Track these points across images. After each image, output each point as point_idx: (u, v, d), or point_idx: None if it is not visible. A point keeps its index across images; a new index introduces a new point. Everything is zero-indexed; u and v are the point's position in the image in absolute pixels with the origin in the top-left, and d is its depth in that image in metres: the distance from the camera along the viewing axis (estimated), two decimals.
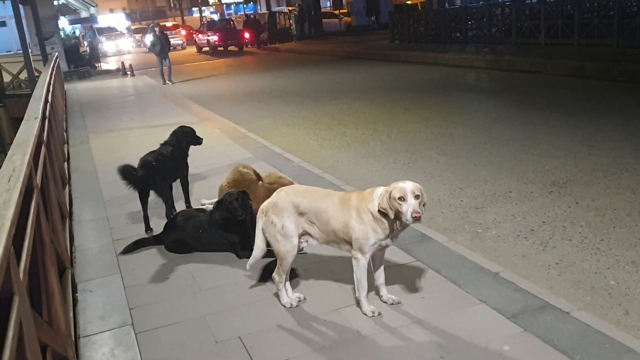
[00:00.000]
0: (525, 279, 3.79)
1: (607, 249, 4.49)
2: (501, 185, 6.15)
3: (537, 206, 5.49)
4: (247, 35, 32.41)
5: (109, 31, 43.81)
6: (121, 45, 38.97)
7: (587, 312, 3.28)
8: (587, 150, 7.09)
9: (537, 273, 4.20)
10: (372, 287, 3.53)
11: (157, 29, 18.35)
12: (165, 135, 5.85)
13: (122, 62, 22.55)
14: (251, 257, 3.61)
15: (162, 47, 17.67)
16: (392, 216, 3.09)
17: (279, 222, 3.37)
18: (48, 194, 3.96)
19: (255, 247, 3.58)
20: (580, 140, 7.54)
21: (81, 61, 24.90)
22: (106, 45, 37.35)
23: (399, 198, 3.05)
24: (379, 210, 3.14)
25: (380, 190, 3.21)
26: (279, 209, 3.39)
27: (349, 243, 3.28)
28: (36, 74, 15.25)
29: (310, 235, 3.42)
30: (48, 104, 6.23)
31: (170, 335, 3.41)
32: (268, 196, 3.72)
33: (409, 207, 3.02)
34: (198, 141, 5.83)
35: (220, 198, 4.46)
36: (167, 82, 17.83)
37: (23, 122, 4.16)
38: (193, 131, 5.83)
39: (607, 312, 3.61)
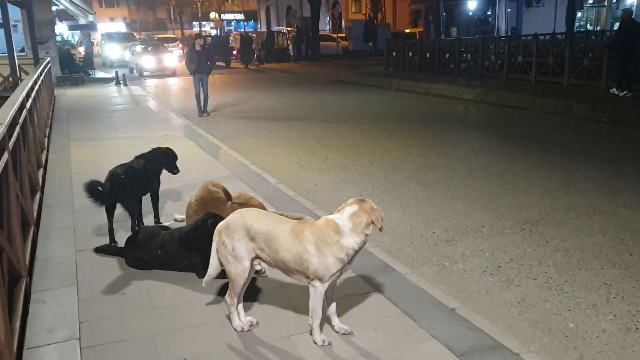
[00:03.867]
0: (482, 316, 3.77)
1: (571, 290, 4.47)
2: (475, 220, 6.14)
3: (507, 243, 5.48)
4: (234, 52, 33.06)
5: (145, 42, 33.07)
6: (166, 60, 27.07)
7: (537, 355, 3.26)
8: (564, 189, 7.11)
9: (497, 311, 4.17)
10: (325, 316, 3.49)
11: (197, 41, 13.73)
12: (145, 147, 5.81)
13: (116, 71, 22.56)
14: (206, 276, 3.57)
15: (200, 65, 13.38)
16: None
17: (230, 244, 3.33)
18: (7, 203, 3.90)
19: (209, 266, 3.55)
20: (557, 179, 7.57)
21: (75, 67, 24.89)
22: (145, 60, 26.70)
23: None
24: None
25: (344, 220, 3.15)
26: (231, 230, 3.35)
27: (302, 273, 3.23)
28: (25, 77, 15.18)
29: (262, 260, 3.38)
30: (25, 109, 6.17)
31: (115, 352, 3.34)
32: None
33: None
34: (172, 169, 5.76)
35: (202, 217, 4.39)
36: (204, 112, 13.85)
37: None
38: (173, 156, 5.77)
39: (562, 356, 3.57)
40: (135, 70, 27.58)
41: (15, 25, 25.04)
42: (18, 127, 5.25)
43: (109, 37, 38.02)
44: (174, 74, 26.46)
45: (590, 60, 15.30)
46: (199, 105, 13.78)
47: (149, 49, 28.00)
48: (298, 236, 3.20)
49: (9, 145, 4.24)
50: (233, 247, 3.32)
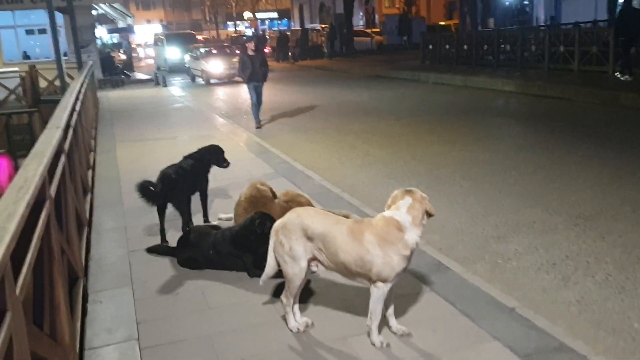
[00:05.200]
0: (542, 316, 3.65)
1: (633, 288, 4.31)
2: (525, 215, 6.00)
3: (561, 239, 5.33)
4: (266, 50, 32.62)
5: (209, 45, 29.15)
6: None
7: (606, 357, 3.13)
8: (616, 183, 6.88)
9: (556, 310, 4.05)
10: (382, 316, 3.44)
11: (249, 45, 11.90)
12: (188, 147, 5.86)
13: (156, 73, 22.92)
14: (263, 274, 3.57)
15: (255, 72, 11.67)
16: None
17: (287, 244, 3.31)
18: (65, 204, 3.97)
19: (267, 265, 3.54)
20: (608, 172, 7.34)
21: (115, 70, 25.41)
22: (213, 65, 22.73)
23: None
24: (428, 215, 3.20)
25: (403, 215, 3.11)
26: (288, 230, 3.33)
27: (364, 275, 3.19)
28: (70, 81, 15.57)
29: (320, 262, 3.35)
30: (75, 112, 6.31)
31: (174, 353, 3.37)
32: (284, 214, 3.67)
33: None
34: (222, 164, 5.78)
35: (252, 216, 4.41)
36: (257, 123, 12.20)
37: (44, 131, 4.20)
38: (221, 151, 5.81)
39: (629, 358, 3.45)
40: (199, 78, 23.61)
41: (57, 31, 25.64)
42: (71, 129, 5.36)
43: (168, 39, 31.75)
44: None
45: (637, 47, 14.78)
46: (256, 117, 12.17)
47: (215, 52, 24.37)
48: (357, 237, 3.15)
49: (65, 147, 4.32)
50: (290, 246, 3.30)
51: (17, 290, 1.93)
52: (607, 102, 12.33)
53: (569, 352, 3.11)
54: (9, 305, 1.77)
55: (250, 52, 11.72)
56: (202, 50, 24.74)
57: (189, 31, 40.40)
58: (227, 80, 22.49)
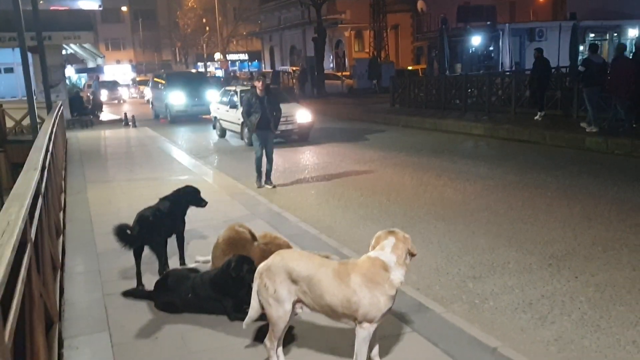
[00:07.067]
0: (524, 355, 3.69)
1: (608, 327, 4.40)
2: (499, 255, 6.09)
3: (536, 279, 5.42)
4: None
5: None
6: (298, 115, 15.65)
7: None
8: (586, 222, 7.07)
9: (535, 349, 4.10)
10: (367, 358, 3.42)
11: (257, 84, 9.56)
12: (161, 187, 5.83)
13: (125, 113, 22.78)
14: (247, 318, 3.54)
15: (264, 117, 9.53)
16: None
17: (271, 287, 3.31)
18: (41, 247, 3.89)
19: (250, 308, 3.51)
20: (578, 212, 7.54)
21: (84, 110, 25.20)
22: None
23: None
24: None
25: (388, 255, 3.16)
26: (272, 273, 3.33)
27: (350, 316, 3.19)
28: (39, 120, 15.39)
29: (304, 304, 3.34)
30: (49, 153, 6.23)
31: None
32: (263, 257, 3.69)
33: None
34: (200, 203, 5.76)
35: (229, 259, 4.38)
36: (265, 183, 9.94)
37: (22, 172, 4.15)
38: (197, 192, 5.79)
39: None
40: (233, 134, 16.80)
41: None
42: (46, 171, 5.29)
43: (170, 80, 24.89)
44: (306, 136, 15.85)
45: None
46: (258, 172, 9.94)
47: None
48: (343, 279, 3.17)
49: (42, 189, 4.26)
50: (275, 289, 3.29)
51: (6, 338, 1.88)
52: (573, 145, 12.74)
53: None
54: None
55: (259, 93, 9.55)
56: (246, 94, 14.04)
57: (197, 70, 33.55)
58: (282, 140, 14.80)
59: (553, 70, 19.12)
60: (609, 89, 12.97)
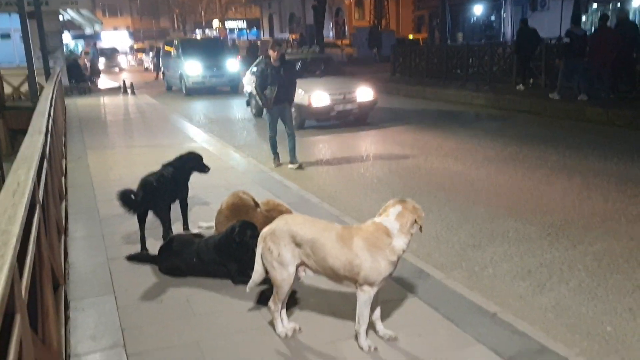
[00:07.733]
0: (522, 320, 3.77)
1: (605, 294, 4.48)
2: (499, 224, 6.16)
3: (535, 247, 5.49)
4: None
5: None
6: (358, 93, 12.89)
7: (584, 358, 3.26)
8: (586, 193, 7.12)
9: (533, 315, 4.18)
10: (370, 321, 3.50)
11: (272, 53, 8.64)
12: (162, 154, 5.84)
13: (124, 80, 22.61)
14: (250, 281, 3.59)
15: (281, 89, 8.63)
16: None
17: (275, 250, 3.36)
18: (47, 210, 3.93)
19: (254, 272, 3.57)
20: (578, 183, 7.59)
21: (82, 77, 25.00)
22: (318, 95, 11.97)
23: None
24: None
25: (392, 222, 3.20)
26: (277, 237, 3.38)
27: (351, 279, 3.26)
28: (38, 87, 15.30)
29: (307, 266, 3.40)
30: (50, 118, 6.23)
31: (162, 359, 3.36)
32: (265, 223, 3.73)
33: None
34: (203, 169, 5.79)
35: (233, 225, 4.43)
36: (291, 163, 9.00)
37: (27, 136, 4.16)
38: (200, 158, 5.81)
39: (604, 359, 3.58)
40: (252, 108, 15.05)
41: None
42: (49, 135, 5.29)
43: (185, 48, 22.06)
44: (365, 118, 13.45)
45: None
46: (275, 153, 9.16)
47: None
48: (346, 243, 3.22)
49: (47, 153, 4.28)
50: (279, 253, 3.35)
51: (23, 293, 1.93)
52: (573, 115, 12.72)
53: (551, 354, 3.23)
54: (18, 308, 1.77)
55: (274, 63, 8.63)
56: (259, 65, 13.21)
57: (214, 36, 30.04)
58: (333, 123, 12.98)
59: (555, 40, 18.97)
60: (589, 59, 13.21)
